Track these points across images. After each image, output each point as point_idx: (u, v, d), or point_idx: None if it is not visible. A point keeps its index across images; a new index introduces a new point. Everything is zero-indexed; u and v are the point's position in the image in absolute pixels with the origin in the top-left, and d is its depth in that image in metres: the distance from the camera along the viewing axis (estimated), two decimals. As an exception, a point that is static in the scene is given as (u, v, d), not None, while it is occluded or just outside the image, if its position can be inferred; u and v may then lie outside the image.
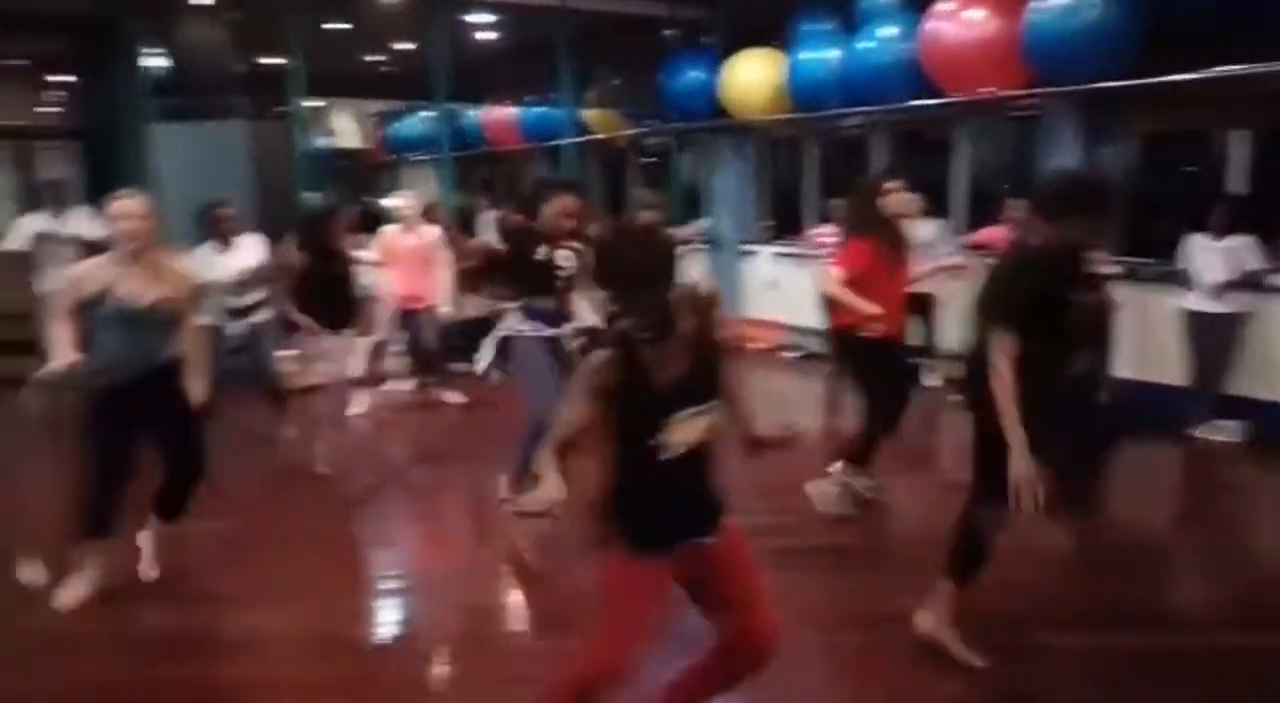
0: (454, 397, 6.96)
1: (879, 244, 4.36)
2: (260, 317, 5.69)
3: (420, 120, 13.59)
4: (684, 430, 2.23)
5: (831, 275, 4.44)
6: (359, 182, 17.08)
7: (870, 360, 4.50)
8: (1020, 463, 2.82)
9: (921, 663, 3.18)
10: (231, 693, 3.21)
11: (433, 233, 6.85)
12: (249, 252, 5.74)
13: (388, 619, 3.82)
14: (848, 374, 5.11)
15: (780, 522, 4.36)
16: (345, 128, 15.52)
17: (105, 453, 3.58)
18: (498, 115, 12.25)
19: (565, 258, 4.12)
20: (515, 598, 4.02)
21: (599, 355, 2.25)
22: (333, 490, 5.16)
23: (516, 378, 4.20)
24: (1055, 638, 3.37)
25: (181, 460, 3.74)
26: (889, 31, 7.25)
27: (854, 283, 4.31)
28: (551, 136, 10.76)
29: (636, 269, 2.21)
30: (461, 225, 8.10)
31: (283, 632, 3.54)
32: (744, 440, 2.43)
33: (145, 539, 3.89)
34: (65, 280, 3.67)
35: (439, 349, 6.98)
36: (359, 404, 6.42)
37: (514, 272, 4.18)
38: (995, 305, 3.00)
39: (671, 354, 2.22)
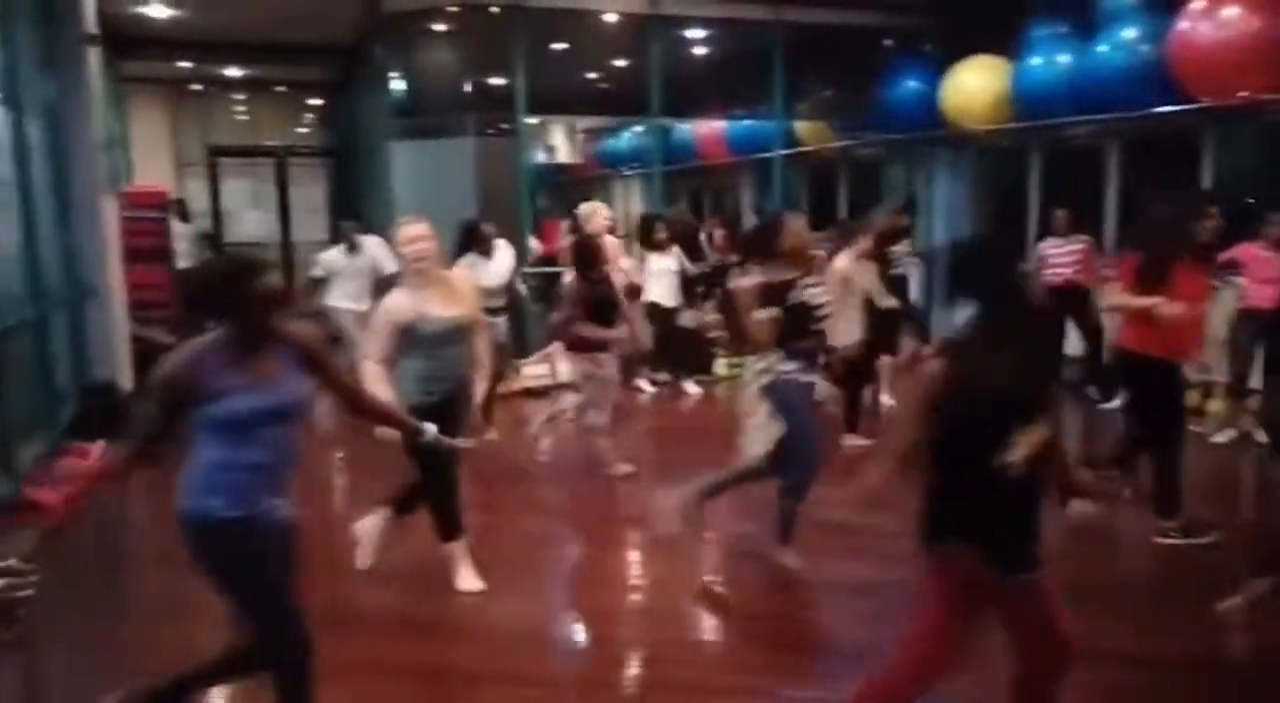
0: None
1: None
2: (502, 319, 6.15)
3: (631, 135, 13.97)
4: (1025, 446, 2.21)
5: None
6: (571, 195, 17.75)
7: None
8: None
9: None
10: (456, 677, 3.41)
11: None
12: (504, 260, 6.21)
13: (607, 620, 3.95)
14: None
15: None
16: (560, 143, 16.19)
17: (438, 468, 3.74)
18: (707, 129, 12.40)
19: (816, 294, 3.97)
20: (725, 610, 4.05)
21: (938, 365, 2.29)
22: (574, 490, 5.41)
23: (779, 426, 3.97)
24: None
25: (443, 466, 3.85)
26: (1129, 34, 6.79)
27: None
28: (760, 149, 10.78)
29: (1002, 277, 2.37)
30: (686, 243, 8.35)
31: (505, 624, 3.74)
32: (1058, 483, 2.44)
33: (366, 528, 4.10)
34: (380, 316, 3.77)
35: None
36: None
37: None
38: None
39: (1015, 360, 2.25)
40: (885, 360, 6.63)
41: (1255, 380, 6.16)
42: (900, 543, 4.32)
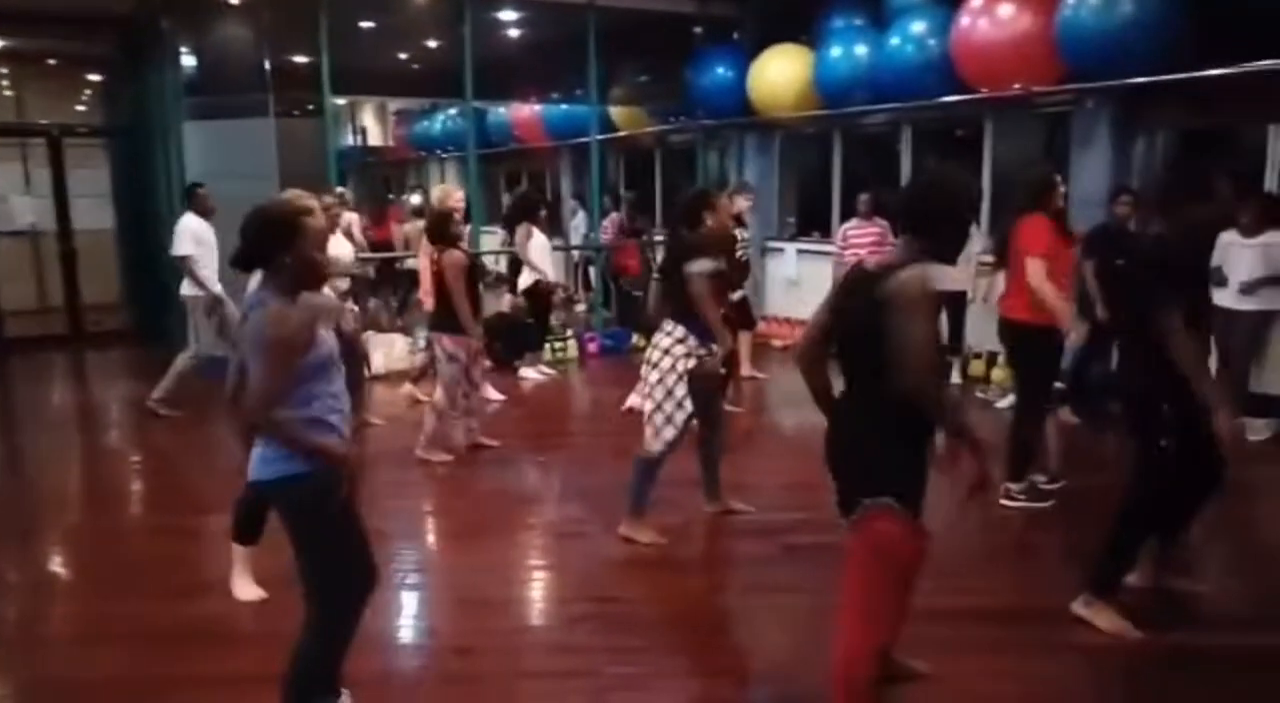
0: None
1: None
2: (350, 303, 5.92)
3: (445, 117, 13.67)
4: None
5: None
6: (384, 178, 17.19)
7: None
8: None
9: (966, 656, 3.19)
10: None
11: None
12: (344, 241, 5.95)
13: (412, 614, 3.86)
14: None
15: (806, 518, 4.40)
16: (370, 125, 15.63)
17: None
18: (523, 112, 12.30)
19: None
20: (549, 595, 4.05)
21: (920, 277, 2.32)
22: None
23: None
24: (1085, 636, 3.36)
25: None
26: (918, 27, 7.22)
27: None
28: (577, 133, 10.79)
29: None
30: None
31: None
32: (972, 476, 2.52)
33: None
34: None
35: None
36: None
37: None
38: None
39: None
40: (744, 335, 7.19)
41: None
42: (733, 520, 4.54)
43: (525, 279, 7.90)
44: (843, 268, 5.70)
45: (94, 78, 12.32)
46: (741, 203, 7.23)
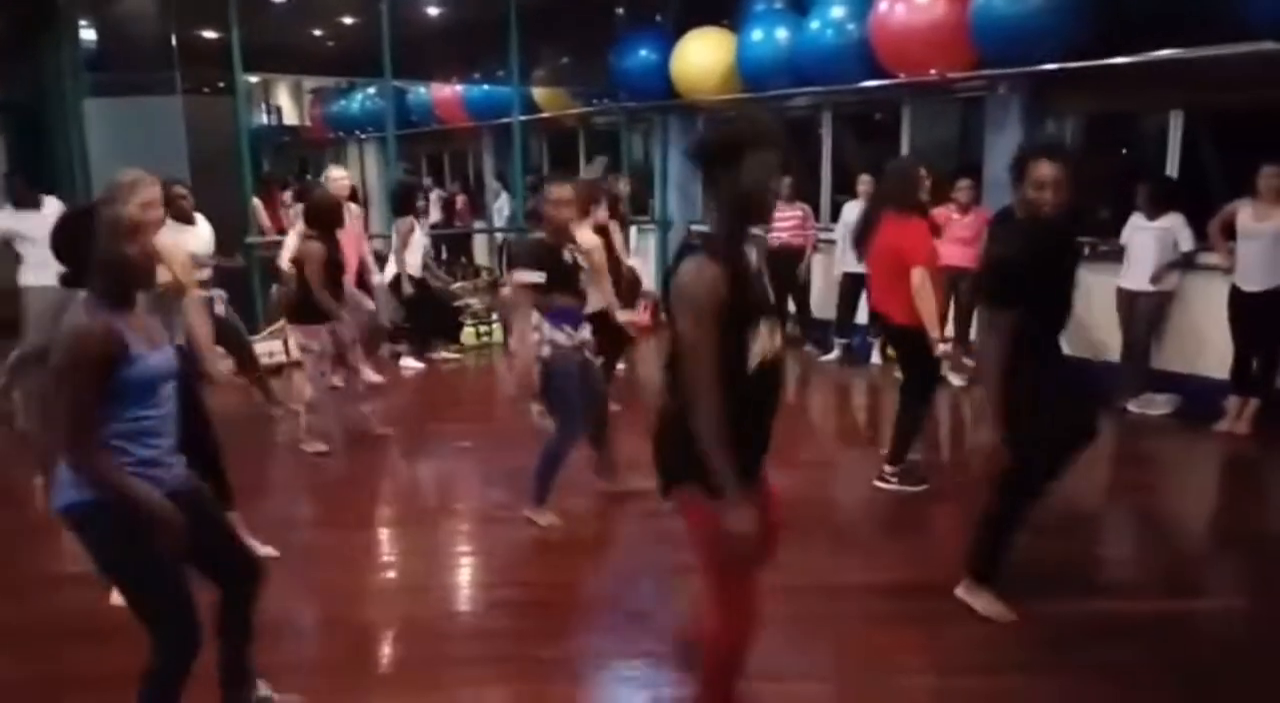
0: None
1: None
2: (219, 292, 5.62)
3: (364, 97, 13.37)
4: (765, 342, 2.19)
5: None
6: (300, 159, 16.75)
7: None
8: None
9: (875, 630, 3.26)
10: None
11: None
12: (206, 229, 5.59)
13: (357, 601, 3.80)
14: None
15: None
16: (286, 104, 15.21)
17: None
18: (445, 92, 12.10)
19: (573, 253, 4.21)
20: (473, 581, 4.03)
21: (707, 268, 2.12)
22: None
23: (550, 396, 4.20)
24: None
25: (208, 452, 3.60)
26: (838, 12, 7.29)
27: None
28: (499, 114, 10.66)
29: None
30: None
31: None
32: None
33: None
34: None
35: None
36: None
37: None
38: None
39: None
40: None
41: (948, 330, 6.92)
42: (650, 502, 4.56)
43: (390, 272, 7.60)
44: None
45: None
46: (621, 188, 6.94)
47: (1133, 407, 5.99)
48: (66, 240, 2.30)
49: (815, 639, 3.28)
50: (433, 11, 10.12)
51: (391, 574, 4.04)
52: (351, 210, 6.83)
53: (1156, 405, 5.97)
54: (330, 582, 3.88)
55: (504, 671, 3.14)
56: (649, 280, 7.38)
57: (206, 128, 7.89)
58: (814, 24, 7.47)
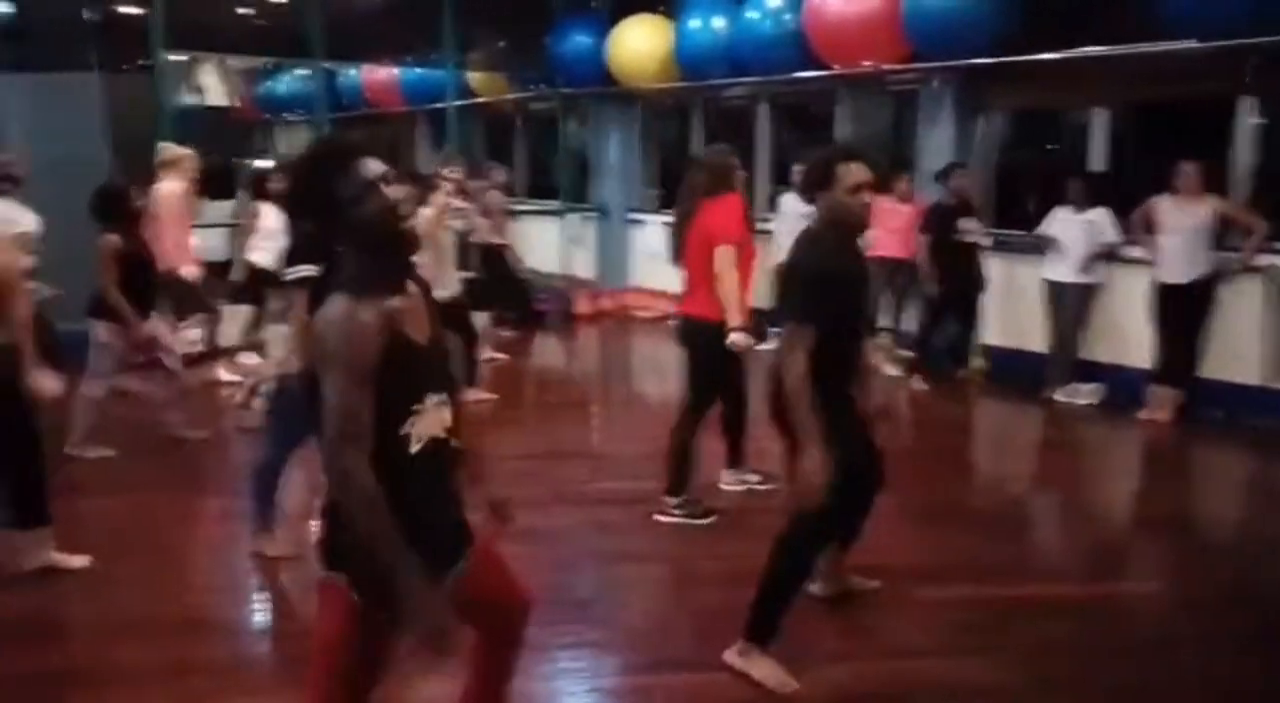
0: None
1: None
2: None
3: (295, 78, 13.03)
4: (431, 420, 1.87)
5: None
6: (228, 141, 16.27)
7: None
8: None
9: (805, 619, 3.28)
10: (100, 678, 3.04)
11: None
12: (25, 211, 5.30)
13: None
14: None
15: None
16: (212, 84, 14.73)
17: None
18: (378, 75, 11.84)
19: None
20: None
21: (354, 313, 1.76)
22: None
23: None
24: (929, 591, 3.53)
25: (21, 461, 3.46)
26: (775, 2, 7.31)
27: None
28: (435, 99, 10.47)
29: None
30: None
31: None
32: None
33: (34, 554, 3.59)
34: None
35: None
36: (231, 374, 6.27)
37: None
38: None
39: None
40: (482, 316, 6.57)
41: (884, 321, 7.02)
42: (597, 489, 4.51)
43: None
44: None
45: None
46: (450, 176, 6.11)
47: (1059, 396, 6.14)
48: None
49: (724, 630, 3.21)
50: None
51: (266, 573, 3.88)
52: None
53: (1082, 395, 6.13)
54: (210, 583, 3.77)
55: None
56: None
57: (129, 107, 7.59)
58: (751, 13, 7.47)
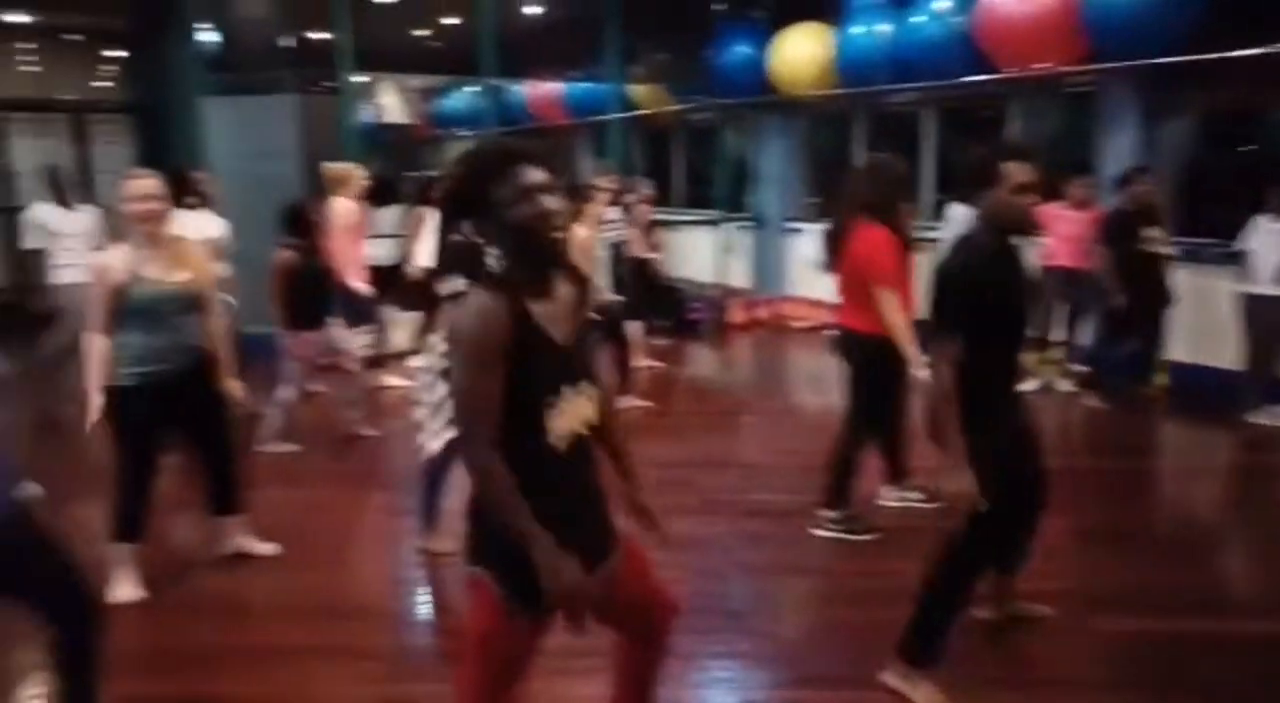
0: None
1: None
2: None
3: (466, 95, 13.62)
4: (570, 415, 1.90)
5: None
6: (403, 156, 17.17)
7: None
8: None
9: (968, 643, 3.16)
10: (282, 656, 3.27)
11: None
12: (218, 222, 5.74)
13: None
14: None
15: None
16: (391, 103, 15.61)
17: (137, 460, 3.49)
18: (543, 90, 12.23)
19: None
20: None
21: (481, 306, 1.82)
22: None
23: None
24: (1103, 621, 3.34)
25: (220, 457, 3.72)
26: (942, 5, 7.11)
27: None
28: (597, 112, 10.73)
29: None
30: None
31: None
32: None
33: (230, 540, 3.89)
34: (92, 275, 3.44)
35: None
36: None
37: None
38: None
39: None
40: (635, 324, 6.66)
41: (1058, 333, 6.68)
42: (750, 501, 4.52)
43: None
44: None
45: (115, 53, 12.37)
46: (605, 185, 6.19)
47: (1253, 418, 5.67)
48: None
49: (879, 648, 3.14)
50: (533, 11, 10.26)
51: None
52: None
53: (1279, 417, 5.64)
54: (380, 572, 3.95)
55: (590, 664, 3.14)
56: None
57: (318, 126, 8.16)
58: (917, 17, 7.29)
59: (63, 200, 6.18)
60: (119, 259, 3.38)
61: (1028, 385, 6.40)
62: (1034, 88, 7.19)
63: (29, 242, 6.17)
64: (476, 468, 1.83)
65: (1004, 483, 2.66)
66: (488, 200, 1.86)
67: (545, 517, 1.81)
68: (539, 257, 1.89)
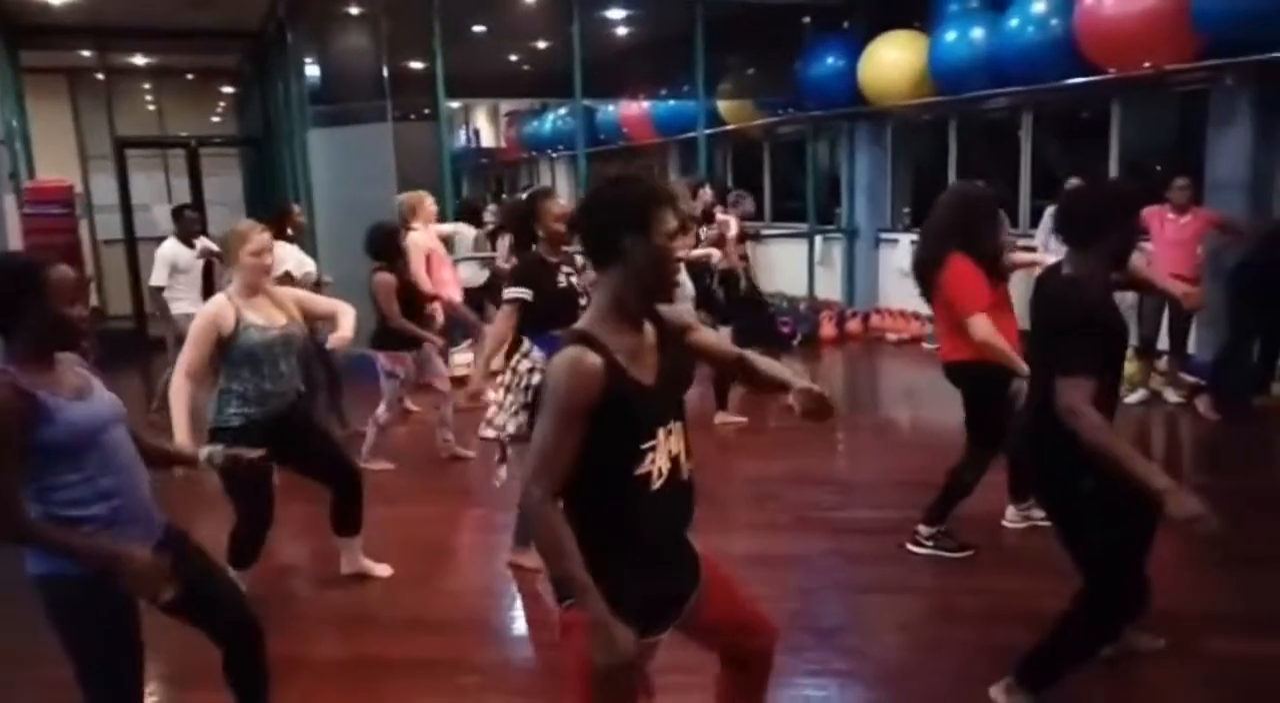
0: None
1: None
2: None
3: (555, 117, 13.85)
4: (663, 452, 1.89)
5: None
6: (495, 179, 17.56)
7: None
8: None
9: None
10: (392, 668, 3.35)
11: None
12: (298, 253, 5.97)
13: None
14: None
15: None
16: (484, 127, 15.98)
17: (253, 498, 3.55)
18: (632, 110, 12.35)
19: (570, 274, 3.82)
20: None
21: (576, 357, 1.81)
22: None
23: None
24: (1218, 643, 3.19)
25: (344, 477, 3.83)
26: (1040, 7, 6.92)
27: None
28: (684, 129, 10.78)
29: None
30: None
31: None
32: None
33: (350, 559, 3.99)
34: (200, 323, 3.44)
35: None
36: None
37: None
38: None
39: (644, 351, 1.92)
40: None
41: (1163, 342, 6.38)
42: (839, 518, 4.45)
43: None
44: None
45: (227, 90, 13.01)
46: (705, 195, 6.47)
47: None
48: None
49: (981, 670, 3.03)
50: (621, 32, 10.37)
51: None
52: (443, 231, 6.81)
53: None
54: (476, 586, 3.99)
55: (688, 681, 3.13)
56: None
57: (413, 152, 8.40)
58: (1013, 21, 7.11)
59: (188, 239, 6.54)
60: (229, 308, 3.45)
61: (1133, 397, 6.17)
62: (1140, 88, 6.92)
63: (155, 278, 6.50)
64: (533, 516, 1.83)
65: (1141, 511, 2.53)
66: (618, 249, 1.84)
67: (634, 555, 1.85)
68: (652, 298, 1.91)
